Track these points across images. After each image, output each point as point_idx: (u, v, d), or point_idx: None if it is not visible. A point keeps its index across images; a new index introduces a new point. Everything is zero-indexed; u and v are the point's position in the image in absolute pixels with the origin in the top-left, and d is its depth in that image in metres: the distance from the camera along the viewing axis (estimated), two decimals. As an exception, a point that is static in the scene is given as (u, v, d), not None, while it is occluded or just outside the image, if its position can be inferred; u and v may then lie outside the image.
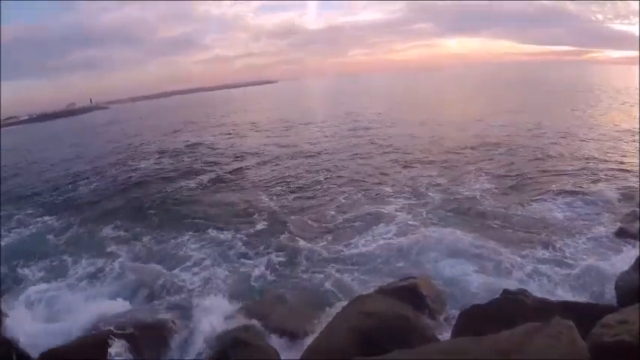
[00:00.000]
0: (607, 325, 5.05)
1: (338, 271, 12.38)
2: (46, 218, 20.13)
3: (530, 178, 19.57)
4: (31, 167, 37.43)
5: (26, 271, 14.10)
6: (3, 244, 16.86)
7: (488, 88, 72.26)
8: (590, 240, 12.74)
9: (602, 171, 19.60)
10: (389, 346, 6.00)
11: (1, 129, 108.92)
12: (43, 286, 12.68)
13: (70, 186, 26.89)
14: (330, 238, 14.71)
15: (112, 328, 9.23)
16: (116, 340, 8.70)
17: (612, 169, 19.59)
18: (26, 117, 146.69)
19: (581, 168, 20.43)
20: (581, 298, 9.42)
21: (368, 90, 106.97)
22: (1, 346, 9.35)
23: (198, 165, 28.95)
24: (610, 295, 9.18)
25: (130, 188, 24.39)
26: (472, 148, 26.41)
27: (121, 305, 10.96)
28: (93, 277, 13.33)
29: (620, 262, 10.77)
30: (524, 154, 23.82)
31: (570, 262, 11.60)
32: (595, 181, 18.13)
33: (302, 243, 14.36)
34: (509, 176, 19.84)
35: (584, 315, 5.67)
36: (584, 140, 26.58)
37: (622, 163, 20.69)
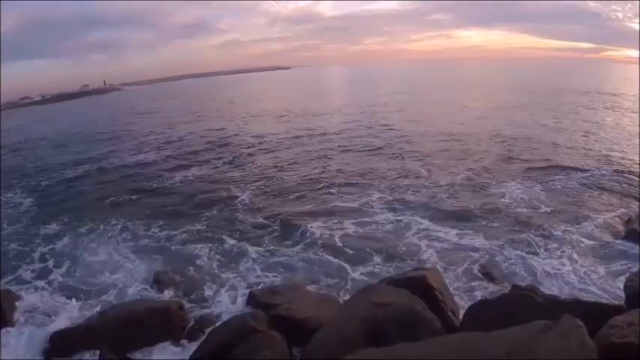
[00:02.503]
0: (615, 326, 5.08)
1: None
2: (19, 201, 20.75)
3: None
4: (32, 148, 37.89)
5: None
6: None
7: (510, 87, 70.47)
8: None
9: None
10: (396, 337, 6.05)
11: (14, 109, 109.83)
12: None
13: (57, 171, 27.07)
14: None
15: (120, 311, 9.48)
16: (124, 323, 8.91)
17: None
18: (39, 97, 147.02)
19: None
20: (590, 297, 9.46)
21: (386, 81, 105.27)
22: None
23: (189, 156, 28.49)
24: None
25: (109, 178, 24.31)
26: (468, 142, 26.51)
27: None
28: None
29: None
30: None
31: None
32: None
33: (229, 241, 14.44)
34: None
35: (593, 314, 5.69)
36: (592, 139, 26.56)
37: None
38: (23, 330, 9.67)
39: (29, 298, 11.29)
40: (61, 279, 12.48)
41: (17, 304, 10.69)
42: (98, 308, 10.42)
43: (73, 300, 11.10)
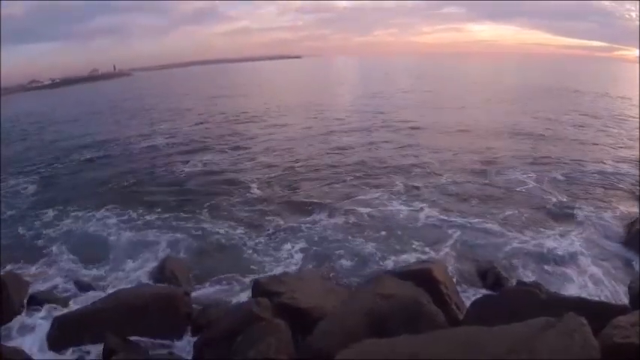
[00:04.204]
0: (618, 326, 5.09)
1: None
2: (24, 185, 20.82)
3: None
4: (39, 133, 37.99)
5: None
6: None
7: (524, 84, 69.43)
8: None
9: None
10: (400, 329, 6.09)
11: (22, 93, 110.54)
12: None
13: (62, 156, 27.12)
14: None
15: (125, 297, 9.49)
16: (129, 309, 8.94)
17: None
18: (49, 81, 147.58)
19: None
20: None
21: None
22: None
23: (198, 144, 28.22)
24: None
25: (115, 164, 24.30)
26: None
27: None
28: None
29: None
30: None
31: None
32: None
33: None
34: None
35: (596, 314, 5.69)
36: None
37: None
38: (30, 315, 9.75)
39: (35, 283, 11.34)
40: (65, 265, 12.56)
41: (23, 288, 10.66)
42: (103, 293, 10.47)
43: (79, 285, 11.20)
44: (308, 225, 14.35)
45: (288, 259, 12.34)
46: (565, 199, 15.59)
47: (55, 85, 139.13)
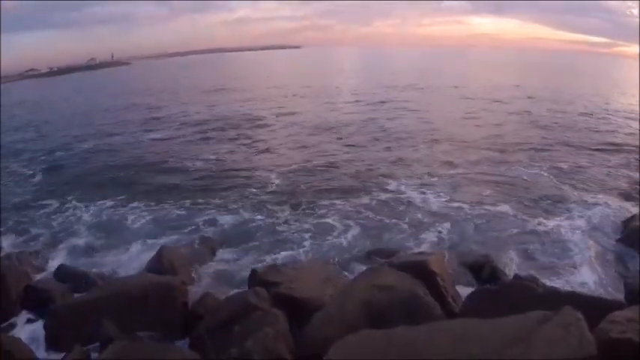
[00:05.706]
0: (614, 322, 5.10)
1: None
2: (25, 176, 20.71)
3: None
4: (37, 122, 37.62)
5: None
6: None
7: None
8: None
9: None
10: (396, 320, 6.11)
11: (20, 81, 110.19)
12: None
13: (64, 147, 26.80)
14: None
15: (121, 286, 9.49)
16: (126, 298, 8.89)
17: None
18: (47, 70, 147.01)
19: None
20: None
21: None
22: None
23: (205, 135, 28.00)
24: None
25: (119, 155, 23.88)
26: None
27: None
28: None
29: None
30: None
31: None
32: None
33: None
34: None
35: (592, 308, 5.71)
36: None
37: None
38: (28, 306, 9.69)
39: (35, 273, 11.32)
40: (65, 254, 12.58)
41: (22, 279, 10.47)
42: (101, 282, 10.45)
43: (77, 275, 11.03)
44: (322, 212, 14.61)
45: (288, 250, 12.36)
46: (564, 195, 15.66)
47: (52, 73, 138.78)
